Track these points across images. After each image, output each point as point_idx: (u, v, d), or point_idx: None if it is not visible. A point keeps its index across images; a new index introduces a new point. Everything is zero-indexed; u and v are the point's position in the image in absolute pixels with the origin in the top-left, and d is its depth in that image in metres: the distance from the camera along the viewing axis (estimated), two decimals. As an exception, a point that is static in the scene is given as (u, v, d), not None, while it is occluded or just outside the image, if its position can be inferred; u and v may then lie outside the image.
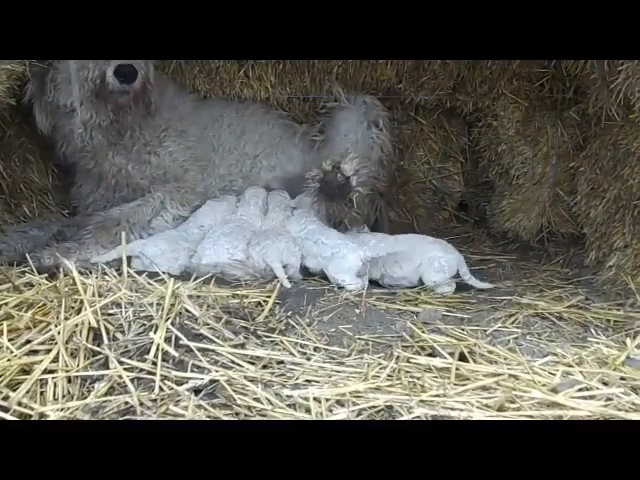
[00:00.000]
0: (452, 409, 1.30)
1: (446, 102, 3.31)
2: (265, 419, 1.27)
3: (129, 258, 2.31)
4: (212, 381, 1.37)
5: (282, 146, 3.13)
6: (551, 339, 1.83)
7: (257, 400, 1.32)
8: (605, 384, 1.44)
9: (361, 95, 3.04)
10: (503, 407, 1.32)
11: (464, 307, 2.13)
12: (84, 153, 2.72)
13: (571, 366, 1.54)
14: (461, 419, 1.27)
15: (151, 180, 2.79)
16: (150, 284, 1.76)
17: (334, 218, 2.59)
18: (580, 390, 1.40)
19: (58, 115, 2.64)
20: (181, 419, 1.23)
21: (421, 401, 1.33)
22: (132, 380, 1.35)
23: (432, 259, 2.34)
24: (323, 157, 2.58)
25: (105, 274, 1.82)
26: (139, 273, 1.86)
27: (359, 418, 1.29)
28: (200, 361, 1.45)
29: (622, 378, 1.48)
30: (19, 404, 1.25)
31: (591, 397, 1.37)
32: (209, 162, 2.98)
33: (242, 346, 1.59)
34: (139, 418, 1.24)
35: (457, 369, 1.48)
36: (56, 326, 1.48)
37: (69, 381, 1.36)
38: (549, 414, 1.29)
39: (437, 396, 1.35)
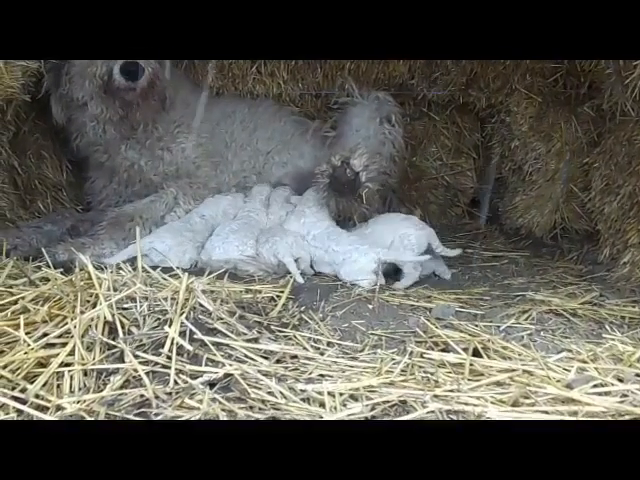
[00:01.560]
0: (466, 404, 1.30)
1: (459, 98, 3.30)
2: (275, 419, 1.27)
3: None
4: (226, 375, 1.38)
5: (294, 142, 3.13)
6: (565, 335, 1.82)
7: (271, 394, 1.33)
8: (620, 380, 1.43)
9: (374, 91, 3.03)
10: (517, 403, 1.32)
11: (477, 303, 2.13)
12: (97, 146, 2.75)
13: (586, 362, 1.53)
14: (474, 418, 1.27)
15: (163, 176, 2.82)
16: (164, 279, 1.77)
17: (343, 214, 2.58)
18: (595, 386, 1.39)
19: (72, 107, 2.67)
20: (193, 419, 1.23)
21: (435, 396, 1.33)
22: (147, 373, 1.36)
23: (403, 237, 2.39)
24: (333, 152, 2.56)
25: (120, 269, 1.83)
26: (153, 268, 1.87)
27: (373, 412, 1.29)
28: (214, 355, 1.46)
29: (637, 375, 1.47)
30: (36, 396, 1.26)
31: (606, 393, 1.37)
32: (222, 158, 2.99)
33: (256, 340, 1.60)
34: (154, 411, 1.25)
35: (471, 365, 1.48)
36: (72, 320, 1.49)
37: (85, 374, 1.37)
38: (564, 410, 1.29)
39: (451, 391, 1.35)
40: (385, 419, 1.27)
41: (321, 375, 1.45)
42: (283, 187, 2.90)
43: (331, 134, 3.11)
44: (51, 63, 2.54)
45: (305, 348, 1.60)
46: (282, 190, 2.85)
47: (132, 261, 2.03)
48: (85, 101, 2.63)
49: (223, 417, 1.23)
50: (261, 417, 1.25)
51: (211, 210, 2.70)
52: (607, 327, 1.88)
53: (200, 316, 1.60)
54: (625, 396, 1.36)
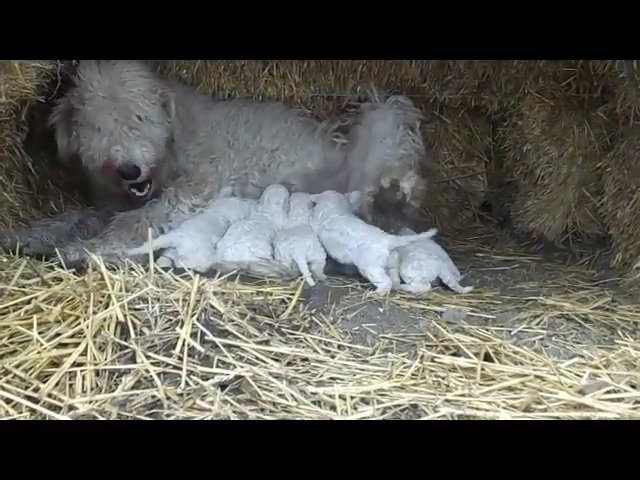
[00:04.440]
0: (477, 409, 1.30)
1: (471, 101, 3.29)
2: (288, 419, 1.27)
3: (161, 250, 2.43)
4: (237, 377, 1.39)
5: (301, 142, 3.13)
6: (577, 341, 1.81)
7: (282, 396, 1.33)
8: (633, 387, 1.42)
9: (393, 95, 3.01)
10: (529, 408, 1.31)
11: (488, 307, 2.12)
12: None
13: (598, 368, 1.53)
14: (486, 418, 1.26)
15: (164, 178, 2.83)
16: (176, 280, 1.78)
17: (379, 226, 2.52)
18: (608, 392, 1.38)
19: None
20: (205, 419, 1.24)
21: (446, 400, 1.32)
22: (159, 374, 1.36)
23: (412, 258, 2.36)
24: (383, 175, 2.47)
25: (132, 269, 1.84)
26: (166, 269, 1.88)
27: (384, 416, 1.29)
28: (225, 357, 1.46)
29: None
30: (49, 396, 1.27)
31: (619, 399, 1.36)
32: (223, 155, 3.00)
33: (266, 343, 1.60)
34: (166, 412, 1.25)
35: (482, 369, 1.48)
36: (84, 320, 1.50)
37: (97, 374, 1.37)
38: (576, 416, 1.28)
39: (462, 396, 1.35)
40: (395, 419, 1.27)
41: (332, 378, 1.45)
42: (302, 193, 2.89)
43: (341, 139, 3.09)
44: (62, 128, 2.63)
45: (316, 351, 1.61)
46: (303, 195, 2.84)
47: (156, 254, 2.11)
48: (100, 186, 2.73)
49: (234, 419, 1.24)
50: (272, 419, 1.25)
51: (235, 215, 2.73)
52: (619, 333, 1.87)
53: (211, 318, 1.60)
54: (638, 402, 1.35)
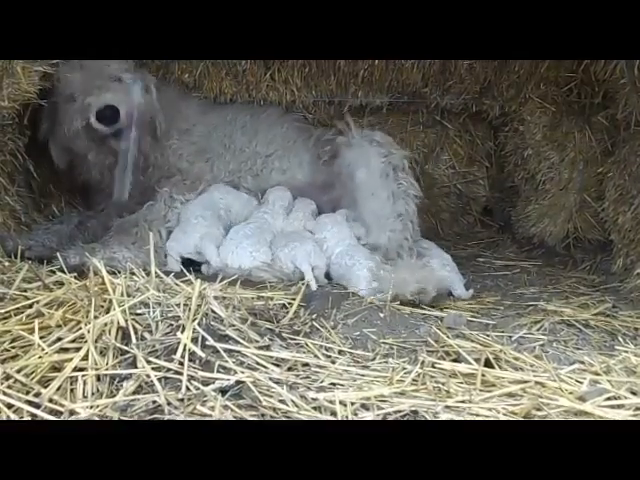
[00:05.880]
0: (478, 415, 1.30)
1: (472, 106, 3.29)
2: (290, 419, 1.28)
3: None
4: (238, 382, 1.39)
5: (295, 149, 3.11)
6: (578, 347, 1.82)
7: (282, 402, 1.33)
8: (634, 393, 1.42)
9: (369, 131, 2.86)
10: (529, 414, 1.31)
11: (489, 313, 2.12)
12: (102, 183, 2.81)
13: (598, 374, 1.53)
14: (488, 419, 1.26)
15: (157, 180, 2.84)
16: (177, 285, 1.78)
17: None
18: (608, 399, 1.38)
19: (72, 154, 2.71)
20: (208, 419, 1.24)
21: (447, 407, 1.33)
22: (160, 379, 1.36)
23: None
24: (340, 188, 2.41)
25: (133, 274, 1.84)
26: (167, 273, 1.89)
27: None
28: (226, 362, 1.46)
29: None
30: (50, 401, 1.27)
31: (619, 406, 1.36)
32: (219, 157, 3.01)
33: (267, 348, 1.60)
34: (167, 417, 1.25)
35: (483, 375, 1.48)
36: (86, 325, 1.50)
37: (98, 379, 1.37)
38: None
39: (463, 402, 1.35)
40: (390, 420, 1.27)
41: (332, 383, 1.45)
42: (306, 198, 2.88)
43: (326, 156, 2.99)
44: (46, 110, 2.58)
45: (316, 356, 1.61)
46: (309, 201, 2.84)
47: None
48: (84, 153, 2.67)
49: (232, 420, 1.24)
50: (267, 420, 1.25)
51: (238, 207, 2.77)
52: (620, 339, 1.87)
53: (212, 322, 1.61)
54: (639, 409, 1.35)
